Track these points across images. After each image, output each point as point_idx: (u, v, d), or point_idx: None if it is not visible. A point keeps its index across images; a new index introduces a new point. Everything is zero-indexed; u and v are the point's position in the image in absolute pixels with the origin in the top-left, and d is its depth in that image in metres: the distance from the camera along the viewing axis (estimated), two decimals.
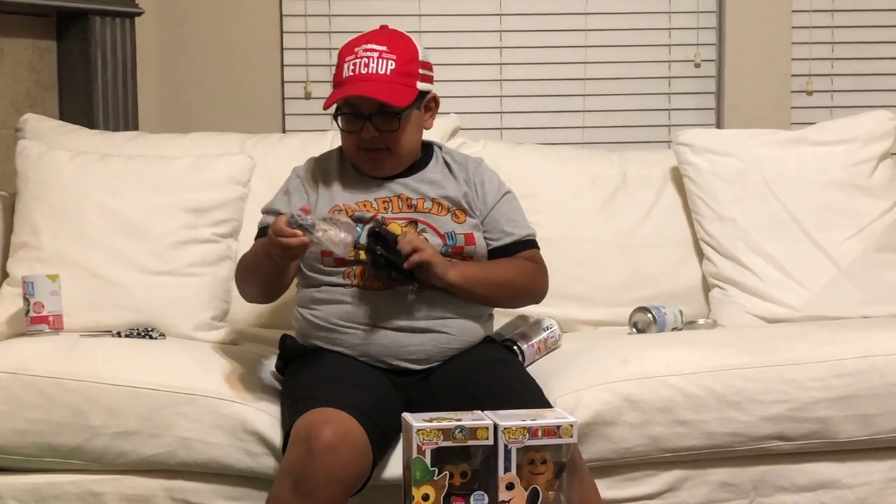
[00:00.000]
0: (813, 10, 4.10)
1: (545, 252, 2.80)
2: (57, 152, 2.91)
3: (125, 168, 2.89)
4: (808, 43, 4.11)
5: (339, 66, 2.50)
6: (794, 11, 4.08)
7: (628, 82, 4.11)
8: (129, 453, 2.41)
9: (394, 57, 2.46)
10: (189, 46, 3.94)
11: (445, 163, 2.62)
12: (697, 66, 4.11)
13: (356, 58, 2.47)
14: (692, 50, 4.11)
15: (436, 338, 2.45)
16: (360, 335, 2.44)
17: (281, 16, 3.99)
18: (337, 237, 2.27)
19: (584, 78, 4.10)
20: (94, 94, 3.55)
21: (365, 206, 2.52)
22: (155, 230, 2.79)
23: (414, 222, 2.49)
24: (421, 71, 2.51)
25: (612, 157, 3.32)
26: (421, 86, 2.51)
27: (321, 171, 2.61)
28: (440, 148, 2.67)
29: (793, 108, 4.09)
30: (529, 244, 2.63)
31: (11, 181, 2.96)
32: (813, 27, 4.11)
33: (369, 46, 2.48)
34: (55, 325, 2.66)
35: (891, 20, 4.14)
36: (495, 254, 2.58)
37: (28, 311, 2.65)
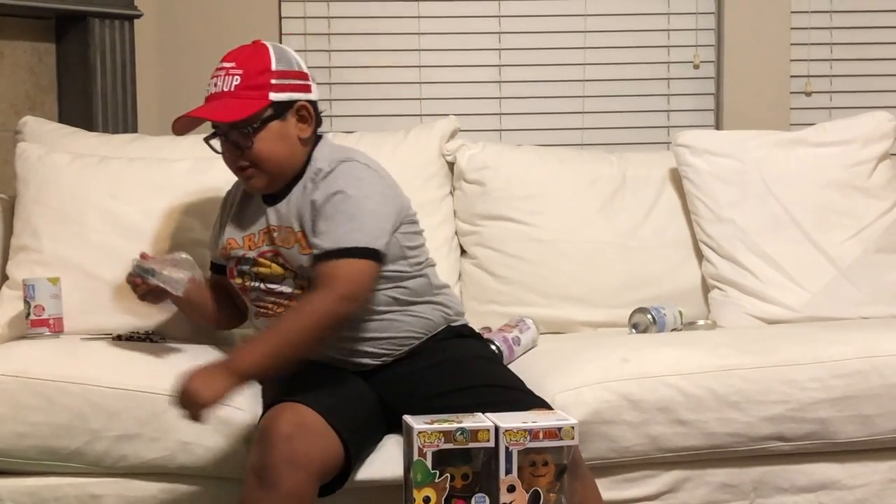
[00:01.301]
0: (812, 12, 4.10)
1: (544, 253, 2.81)
2: (56, 155, 2.91)
3: (125, 170, 2.89)
4: (807, 44, 4.11)
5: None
6: (792, 12, 4.08)
7: (627, 83, 4.11)
8: (129, 457, 2.41)
9: (240, 72, 2.42)
10: (188, 49, 3.94)
11: (314, 171, 2.45)
12: (696, 67, 4.11)
13: (211, 77, 2.47)
14: (691, 51, 4.11)
15: (372, 342, 2.44)
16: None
17: (280, 18, 3.99)
18: (173, 276, 2.44)
19: (583, 79, 4.10)
20: (94, 96, 3.55)
21: (250, 239, 2.49)
22: (155, 233, 2.79)
23: (276, 254, 2.44)
24: (275, 81, 2.43)
25: (612, 158, 3.32)
26: (275, 96, 2.42)
27: (233, 198, 2.62)
28: (319, 150, 2.50)
29: (792, 109, 4.09)
30: (328, 257, 2.31)
31: (11, 184, 2.96)
32: (812, 28, 4.10)
33: (221, 65, 2.46)
34: (56, 328, 2.66)
35: (890, 21, 4.14)
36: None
37: (28, 314, 2.65)
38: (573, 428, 1.99)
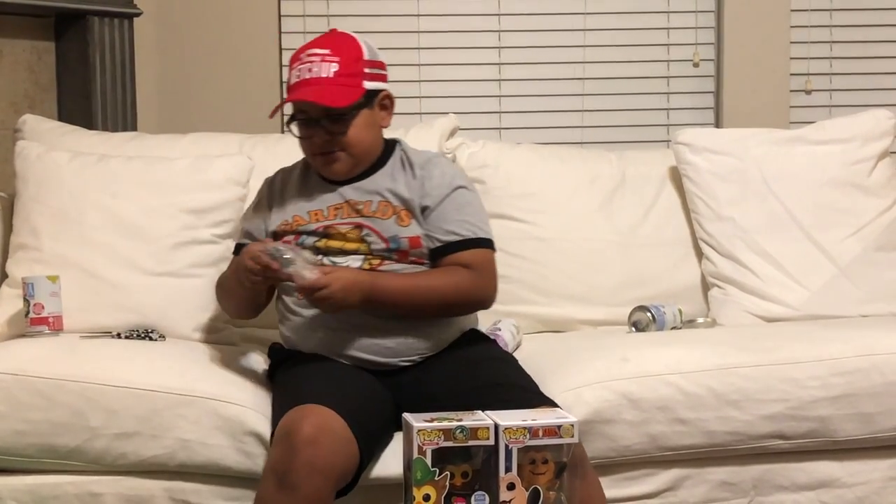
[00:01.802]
0: (811, 10, 4.10)
1: (544, 252, 2.81)
2: (56, 153, 2.91)
3: (124, 169, 2.89)
4: (806, 42, 4.11)
5: (289, 74, 2.53)
6: (792, 11, 4.08)
7: (627, 82, 4.11)
8: (128, 454, 2.41)
9: (337, 59, 2.47)
10: (188, 47, 3.94)
11: (402, 161, 2.58)
12: (696, 65, 4.11)
13: (300, 63, 2.49)
14: (691, 49, 4.11)
15: (400, 339, 2.45)
16: (326, 338, 2.45)
17: (279, 16, 3.99)
18: (302, 272, 2.33)
19: (582, 77, 4.10)
20: (93, 94, 3.55)
21: (317, 215, 2.53)
22: (154, 231, 2.79)
23: (359, 227, 2.48)
24: (367, 70, 2.50)
25: (611, 156, 3.32)
26: (369, 84, 2.50)
27: (283, 182, 2.63)
28: (401, 145, 2.63)
29: (791, 107, 4.09)
30: (474, 245, 2.49)
31: (10, 182, 2.96)
32: (811, 26, 4.11)
33: (312, 51, 2.49)
34: (55, 326, 2.66)
35: (889, 19, 4.14)
36: (435, 256, 2.50)
37: (28, 313, 2.65)
38: (573, 426, 1.99)
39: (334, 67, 2.47)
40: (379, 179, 2.55)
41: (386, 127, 2.59)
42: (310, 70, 2.47)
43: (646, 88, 4.12)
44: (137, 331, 2.68)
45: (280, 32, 3.99)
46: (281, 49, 3.99)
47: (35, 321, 2.65)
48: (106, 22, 3.58)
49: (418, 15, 4.02)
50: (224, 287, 2.61)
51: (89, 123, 3.49)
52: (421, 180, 2.53)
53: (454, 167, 2.63)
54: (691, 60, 4.11)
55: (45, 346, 2.57)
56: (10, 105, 3.40)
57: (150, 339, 2.66)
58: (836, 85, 4.14)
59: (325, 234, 2.50)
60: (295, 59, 2.52)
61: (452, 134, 3.24)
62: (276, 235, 2.54)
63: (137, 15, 3.68)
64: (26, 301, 2.65)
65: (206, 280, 2.77)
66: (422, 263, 2.50)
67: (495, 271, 2.53)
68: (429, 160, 2.58)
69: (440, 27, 4.03)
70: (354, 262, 2.46)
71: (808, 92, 4.12)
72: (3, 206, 2.93)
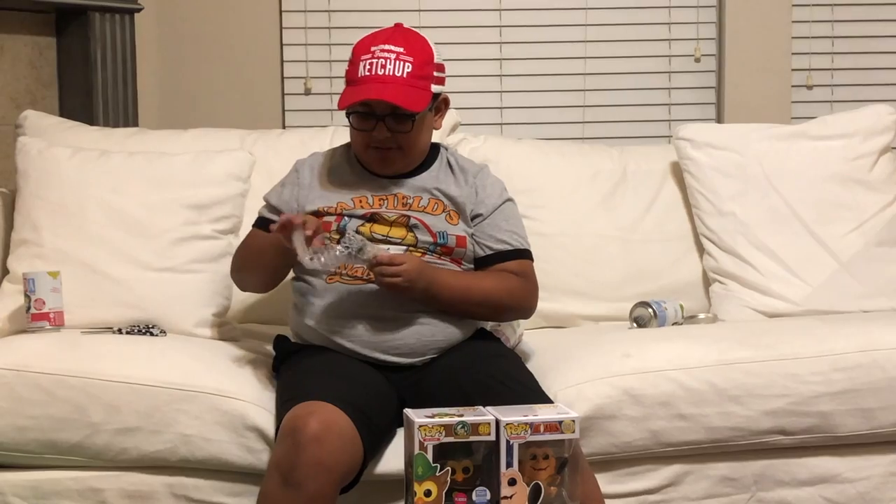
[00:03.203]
0: (813, 5, 4.10)
1: (546, 247, 2.80)
2: (57, 149, 2.90)
3: (125, 164, 2.89)
4: (808, 37, 4.11)
5: (355, 64, 2.50)
6: (793, 6, 4.08)
7: (628, 77, 4.11)
8: (129, 450, 2.41)
9: (411, 59, 2.47)
10: (189, 42, 3.94)
11: (449, 165, 2.62)
12: (697, 60, 4.11)
13: (373, 57, 2.47)
14: (692, 45, 4.11)
15: (417, 331, 2.45)
16: (343, 328, 2.45)
17: (280, 11, 3.99)
18: (379, 248, 2.37)
19: (584, 73, 4.10)
20: (94, 90, 3.55)
21: (361, 201, 2.53)
22: (155, 227, 2.79)
23: (407, 217, 2.50)
24: (436, 73, 2.52)
25: (613, 152, 3.32)
26: (435, 88, 2.52)
27: (323, 166, 2.62)
28: (447, 150, 2.68)
29: (793, 102, 4.09)
30: (521, 255, 2.59)
31: (12, 178, 2.96)
32: (813, 21, 4.10)
33: (386, 47, 2.48)
34: (56, 321, 2.66)
35: (890, 14, 4.14)
36: (484, 262, 2.55)
37: (29, 308, 2.65)
38: (574, 421, 1.99)
39: (408, 68, 2.46)
40: (427, 178, 2.57)
41: (438, 129, 2.62)
42: (383, 66, 2.46)
43: (647, 84, 4.12)
44: (139, 326, 2.68)
45: (281, 27, 3.99)
46: (282, 44, 3.99)
47: (36, 317, 2.65)
48: (107, 17, 3.58)
49: (419, 10, 4.02)
50: (249, 259, 2.57)
51: (90, 119, 3.50)
52: (474, 188, 2.58)
53: (501, 181, 2.68)
54: (693, 56, 4.11)
55: (46, 341, 2.57)
56: (11, 101, 3.40)
57: (152, 334, 2.66)
58: (837, 80, 4.14)
59: (372, 218, 2.50)
60: (364, 50, 2.49)
61: (454, 129, 3.24)
62: (317, 215, 2.52)
63: (138, 10, 3.68)
64: (27, 297, 2.65)
65: (207, 275, 2.78)
66: (458, 264, 2.52)
67: (537, 282, 2.61)
68: (480, 170, 2.64)
69: (441, 22, 4.03)
70: (397, 251, 2.47)
71: (810, 87, 4.12)
72: (5, 201, 2.93)
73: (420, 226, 2.50)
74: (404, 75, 2.45)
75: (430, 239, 2.50)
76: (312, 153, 2.69)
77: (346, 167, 2.61)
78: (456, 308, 2.47)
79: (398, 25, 2.57)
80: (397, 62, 2.45)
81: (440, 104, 2.58)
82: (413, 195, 2.54)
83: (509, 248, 2.57)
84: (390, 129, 2.48)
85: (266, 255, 2.50)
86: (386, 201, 2.53)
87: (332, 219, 2.51)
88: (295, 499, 2.11)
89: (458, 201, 2.56)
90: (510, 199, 2.64)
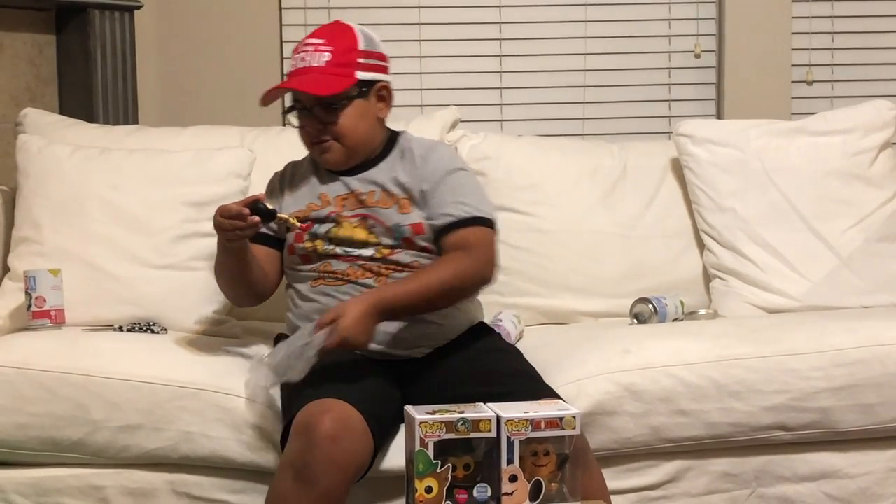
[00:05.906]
0: (812, 0, 4.10)
1: (546, 244, 2.80)
2: (57, 146, 2.91)
3: (126, 162, 2.89)
4: (808, 33, 4.10)
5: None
6: (793, 1, 4.07)
7: (628, 73, 4.11)
8: (131, 447, 2.41)
9: (330, 49, 2.49)
10: (189, 40, 3.94)
11: (403, 150, 2.58)
12: (697, 56, 4.11)
13: (297, 53, 2.53)
14: (692, 40, 4.11)
15: (417, 327, 2.45)
16: None
17: (280, 8, 3.99)
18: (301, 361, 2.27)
19: (584, 69, 4.09)
20: (94, 88, 3.55)
21: (323, 197, 2.55)
22: (156, 224, 2.79)
23: (364, 218, 2.49)
24: (361, 60, 2.51)
25: (613, 148, 3.31)
26: (362, 75, 2.51)
27: (294, 173, 2.65)
28: (404, 136, 2.64)
29: (793, 98, 4.09)
30: (463, 224, 2.46)
31: (12, 176, 2.96)
32: (813, 17, 4.10)
33: (309, 41, 2.53)
34: (57, 319, 2.66)
35: (890, 10, 4.14)
36: (437, 240, 2.48)
37: (30, 306, 2.65)
38: (575, 417, 1.99)
39: (326, 57, 2.49)
40: (381, 170, 2.55)
41: (384, 118, 2.59)
42: (303, 59, 2.50)
43: (647, 80, 4.11)
44: (139, 324, 2.68)
45: (281, 25, 3.99)
46: (282, 42, 3.99)
47: (37, 314, 2.65)
48: (107, 15, 3.57)
49: (419, 7, 4.01)
50: (217, 269, 2.56)
51: (90, 117, 3.49)
52: (420, 167, 2.53)
53: (453, 152, 2.64)
54: (693, 51, 4.10)
55: (47, 339, 2.57)
56: (11, 98, 3.40)
57: (152, 331, 2.67)
58: (837, 76, 4.14)
59: (336, 220, 2.51)
60: (295, 49, 2.55)
61: (454, 126, 3.24)
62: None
63: (138, 8, 3.68)
64: (28, 294, 2.66)
65: (207, 273, 2.77)
66: (430, 250, 2.50)
67: (493, 247, 2.47)
68: (429, 147, 2.59)
69: (441, 19, 4.03)
70: (365, 252, 2.47)
71: (810, 83, 4.12)
72: (5, 199, 2.94)
73: (377, 224, 2.49)
74: (322, 64, 2.48)
75: (387, 234, 2.49)
76: (288, 162, 2.70)
77: (311, 169, 2.62)
78: (428, 308, 2.41)
79: (334, 21, 2.60)
80: (316, 53, 2.49)
81: (380, 92, 2.55)
82: (366, 190, 2.53)
83: (453, 219, 2.46)
84: (321, 119, 2.49)
85: (227, 264, 2.49)
86: (347, 200, 2.53)
87: (299, 229, 2.50)
88: (307, 495, 2.11)
89: (406, 186, 2.52)
90: (460, 169, 2.54)
